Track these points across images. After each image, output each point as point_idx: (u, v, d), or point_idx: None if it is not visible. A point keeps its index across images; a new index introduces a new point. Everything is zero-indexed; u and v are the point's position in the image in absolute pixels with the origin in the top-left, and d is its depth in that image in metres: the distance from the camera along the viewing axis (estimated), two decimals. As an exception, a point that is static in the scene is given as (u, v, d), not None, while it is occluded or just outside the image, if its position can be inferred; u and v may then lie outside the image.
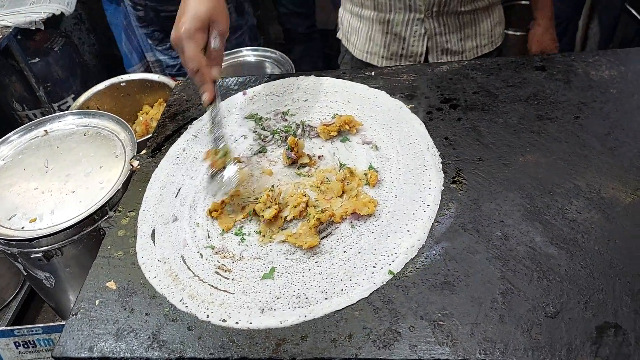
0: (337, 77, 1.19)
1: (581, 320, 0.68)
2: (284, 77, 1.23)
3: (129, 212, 0.98)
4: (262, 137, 1.09)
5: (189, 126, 1.15)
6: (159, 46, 2.46)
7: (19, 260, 1.19)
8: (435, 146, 0.97)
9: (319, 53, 2.98)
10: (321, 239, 0.85)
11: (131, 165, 1.10)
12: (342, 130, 1.04)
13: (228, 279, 0.83)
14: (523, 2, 2.68)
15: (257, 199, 0.93)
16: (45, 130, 1.37)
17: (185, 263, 0.86)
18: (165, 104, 1.31)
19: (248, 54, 1.95)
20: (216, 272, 0.84)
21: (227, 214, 0.93)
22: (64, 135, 1.35)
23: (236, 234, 0.90)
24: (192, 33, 0.89)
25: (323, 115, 1.10)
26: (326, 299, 0.76)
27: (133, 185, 1.04)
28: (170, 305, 0.80)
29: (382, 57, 1.39)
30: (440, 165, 0.93)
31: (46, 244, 1.12)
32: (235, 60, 1.96)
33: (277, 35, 3.10)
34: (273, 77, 1.25)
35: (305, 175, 0.98)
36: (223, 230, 0.91)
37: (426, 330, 0.70)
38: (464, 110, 1.03)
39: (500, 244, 0.79)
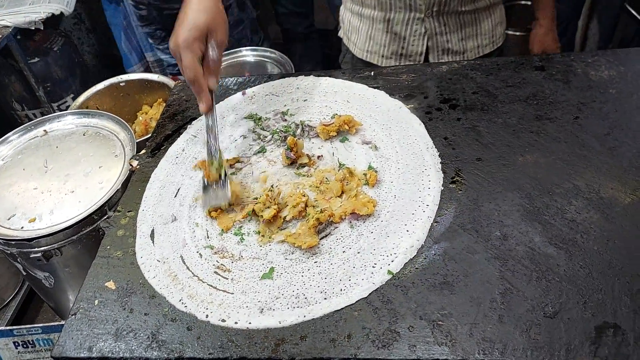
0: (337, 77, 1.19)
1: (580, 320, 0.68)
2: (284, 77, 1.23)
3: (128, 212, 0.98)
4: (261, 137, 1.09)
5: (189, 126, 1.15)
6: (161, 45, 2.46)
7: (18, 260, 1.19)
8: (434, 146, 0.97)
9: (318, 53, 2.97)
10: (320, 239, 0.85)
11: (130, 165, 1.10)
12: (342, 130, 1.04)
13: (227, 279, 0.83)
14: (523, 2, 2.68)
15: (256, 199, 0.93)
16: (45, 130, 1.37)
17: (184, 263, 0.86)
18: (164, 104, 1.31)
19: (248, 54, 1.95)
20: (215, 272, 0.84)
21: (227, 214, 0.93)
22: (63, 135, 1.35)
23: (235, 234, 0.90)
24: (190, 43, 0.90)
25: (322, 115, 1.10)
26: (325, 299, 0.76)
27: (132, 185, 1.04)
28: (170, 305, 0.80)
29: (383, 57, 1.38)
30: (440, 165, 0.93)
31: (45, 243, 1.12)
32: (235, 60, 1.96)
33: (276, 35, 3.09)
34: (272, 77, 1.25)
35: (304, 175, 0.98)
36: (222, 230, 0.91)
37: (425, 330, 0.70)
38: (463, 110, 1.04)
39: (499, 244, 0.79)
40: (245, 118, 1.14)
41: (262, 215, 0.88)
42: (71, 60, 2.50)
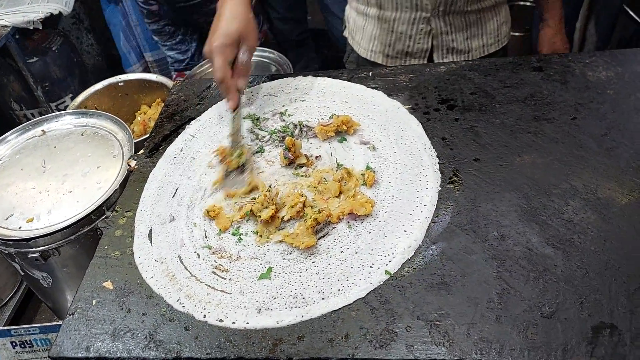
0: (335, 77, 1.19)
1: (577, 320, 0.68)
2: (282, 77, 1.24)
3: (127, 212, 0.98)
4: (259, 137, 1.09)
5: (187, 126, 1.15)
6: (169, 41, 2.46)
7: (16, 260, 1.19)
8: (432, 146, 0.97)
9: (314, 59, 2.89)
10: (318, 239, 0.85)
11: (129, 165, 1.10)
12: (340, 130, 1.04)
13: (225, 279, 0.83)
14: (522, 3, 2.69)
15: (254, 199, 0.94)
16: (43, 130, 1.37)
17: (182, 263, 0.86)
18: (163, 104, 1.31)
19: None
20: (213, 272, 0.84)
21: (225, 214, 0.93)
22: (61, 135, 1.35)
23: (233, 234, 0.90)
24: (223, 48, 1.00)
25: (321, 115, 1.10)
26: (323, 299, 0.76)
27: (130, 185, 1.04)
28: (167, 305, 0.80)
29: (387, 56, 1.39)
30: (438, 166, 0.93)
31: (43, 243, 1.12)
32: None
33: (269, 44, 3.04)
34: (271, 77, 1.25)
35: (302, 176, 0.98)
36: (220, 230, 0.91)
37: (423, 330, 0.70)
38: (461, 111, 1.04)
39: (496, 244, 0.79)
40: (244, 118, 1.14)
41: (260, 216, 0.89)
42: (70, 60, 2.50)
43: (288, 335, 0.73)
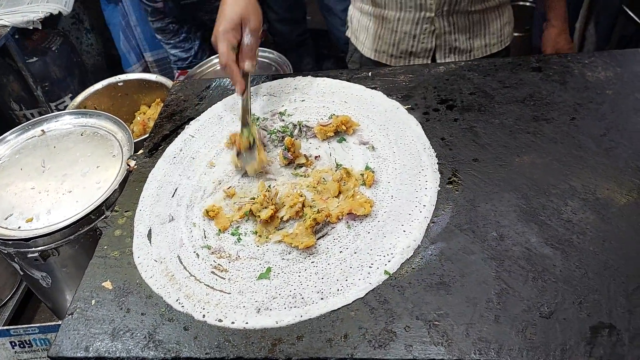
0: (334, 77, 1.19)
1: (576, 320, 0.68)
2: (281, 78, 1.24)
3: (126, 212, 0.98)
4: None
5: (186, 126, 1.15)
6: (173, 39, 2.46)
7: (15, 260, 1.19)
8: (431, 147, 0.97)
9: (313, 58, 2.88)
10: (317, 239, 0.85)
11: (128, 165, 1.10)
12: (339, 130, 1.04)
13: (224, 278, 0.83)
14: (521, 3, 2.69)
15: (253, 199, 0.94)
16: (43, 130, 1.37)
17: (181, 263, 0.86)
18: (162, 104, 1.31)
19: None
20: (212, 272, 0.84)
21: (224, 214, 0.93)
22: (61, 135, 1.35)
23: (232, 234, 0.90)
24: (225, 33, 1.02)
25: (320, 115, 1.11)
26: (322, 299, 0.76)
27: (130, 185, 1.04)
28: (167, 305, 0.80)
29: (391, 56, 1.39)
30: (437, 166, 0.93)
31: (43, 243, 1.12)
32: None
33: (268, 45, 3.03)
34: (270, 78, 1.25)
35: (301, 176, 0.98)
36: (219, 230, 0.91)
37: (422, 330, 0.70)
38: (460, 111, 1.04)
39: (495, 245, 0.79)
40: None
41: (259, 216, 0.89)
42: (69, 60, 2.50)
43: (287, 335, 0.73)
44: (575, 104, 1.01)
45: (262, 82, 1.23)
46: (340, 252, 0.83)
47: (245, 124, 1.04)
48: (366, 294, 0.76)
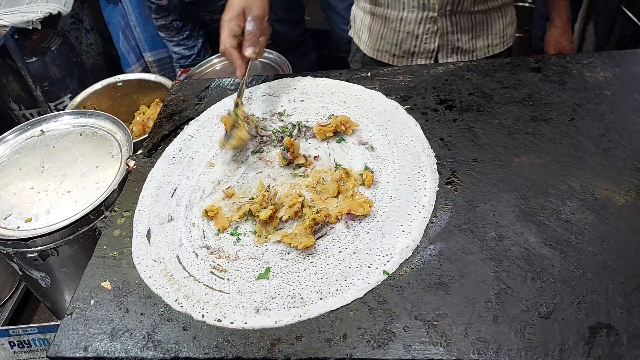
0: (334, 77, 1.19)
1: (574, 320, 0.69)
2: (281, 78, 1.24)
3: (125, 212, 0.98)
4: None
5: (186, 126, 1.15)
6: (176, 37, 2.47)
7: (14, 260, 1.19)
8: (430, 147, 0.97)
9: (312, 59, 2.86)
10: (316, 239, 0.85)
11: (127, 165, 1.10)
12: (338, 130, 1.04)
13: (223, 279, 0.83)
14: (520, 4, 2.69)
15: (252, 199, 0.94)
16: (42, 130, 1.37)
17: (180, 263, 0.87)
18: (161, 104, 1.32)
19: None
20: (211, 272, 0.84)
21: (223, 214, 0.94)
22: (60, 135, 1.35)
23: (232, 234, 0.90)
24: (228, 21, 1.06)
25: (319, 115, 1.11)
26: (321, 299, 0.76)
27: (129, 185, 1.04)
28: (165, 305, 0.80)
29: (394, 56, 1.39)
30: (436, 166, 0.93)
31: (42, 243, 1.12)
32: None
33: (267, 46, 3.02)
34: (270, 78, 1.25)
35: (301, 176, 0.99)
36: (219, 230, 0.91)
37: (420, 330, 0.70)
38: (459, 112, 1.04)
39: (494, 245, 0.79)
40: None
41: (258, 216, 0.89)
42: (69, 60, 2.50)
43: (286, 335, 0.73)
44: (574, 104, 1.01)
45: (262, 82, 1.23)
46: (339, 252, 0.83)
47: (236, 104, 1.08)
48: (365, 294, 0.76)
